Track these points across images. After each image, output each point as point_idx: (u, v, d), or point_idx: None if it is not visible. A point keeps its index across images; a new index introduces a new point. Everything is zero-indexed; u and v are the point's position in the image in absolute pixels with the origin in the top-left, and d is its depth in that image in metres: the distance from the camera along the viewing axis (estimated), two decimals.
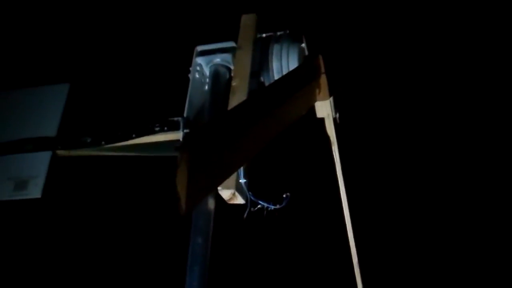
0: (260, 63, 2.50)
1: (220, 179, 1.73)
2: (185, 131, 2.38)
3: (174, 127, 2.41)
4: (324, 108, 2.35)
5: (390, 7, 4.49)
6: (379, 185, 4.51)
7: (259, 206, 2.13)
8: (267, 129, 1.81)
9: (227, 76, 2.56)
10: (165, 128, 2.42)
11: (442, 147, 4.66)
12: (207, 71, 2.60)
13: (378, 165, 4.53)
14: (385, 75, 4.42)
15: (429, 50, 4.55)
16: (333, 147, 2.59)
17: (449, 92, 4.61)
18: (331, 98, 2.32)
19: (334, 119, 2.44)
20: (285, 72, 2.45)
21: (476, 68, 4.58)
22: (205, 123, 2.35)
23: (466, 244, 4.56)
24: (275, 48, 2.49)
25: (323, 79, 2.23)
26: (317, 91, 2.24)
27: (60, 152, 2.56)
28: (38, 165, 2.51)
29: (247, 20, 2.59)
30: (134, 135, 2.46)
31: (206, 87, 2.58)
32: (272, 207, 2.15)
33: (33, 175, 2.48)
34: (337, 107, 2.41)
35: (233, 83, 2.39)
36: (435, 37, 4.54)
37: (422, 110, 4.62)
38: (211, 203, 2.19)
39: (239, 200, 2.09)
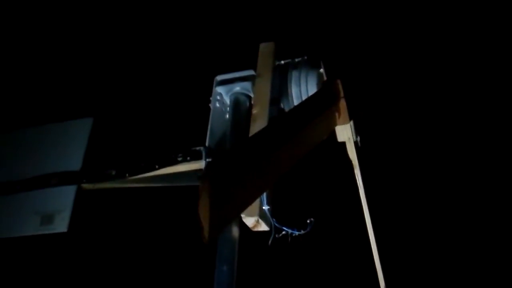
0: (280, 90, 2.52)
1: (243, 206, 1.73)
2: (207, 160, 2.39)
3: (196, 157, 2.41)
4: (344, 132, 2.35)
5: (407, 30, 4.50)
6: (403, 207, 4.48)
7: (283, 232, 2.13)
8: (288, 155, 1.82)
9: (247, 104, 2.56)
10: (188, 158, 2.43)
11: (466, 168, 4.62)
12: (227, 100, 2.61)
13: (402, 188, 4.50)
14: (405, 97, 4.42)
15: (447, 74, 4.54)
16: (355, 171, 2.58)
17: (475, 115, 4.58)
18: (351, 122, 2.32)
19: (355, 143, 2.43)
20: (304, 97, 2.47)
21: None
22: (225, 151, 2.36)
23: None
24: (294, 74, 2.51)
25: (343, 103, 2.24)
26: (337, 115, 2.25)
27: (85, 186, 2.58)
28: (63, 199, 2.54)
29: (265, 48, 2.61)
30: (157, 166, 2.47)
31: (227, 115, 2.59)
32: (297, 232, 2.14)
33: (59, 209, 2.51)
34: (357, 130, 2.41)
35: (254, 111, 2.41)
36: (452, 60, 4.53)
37: (442, 131, 4.59)
38: (235, 231, 2.19)
39: (263, 227, 2.09)
